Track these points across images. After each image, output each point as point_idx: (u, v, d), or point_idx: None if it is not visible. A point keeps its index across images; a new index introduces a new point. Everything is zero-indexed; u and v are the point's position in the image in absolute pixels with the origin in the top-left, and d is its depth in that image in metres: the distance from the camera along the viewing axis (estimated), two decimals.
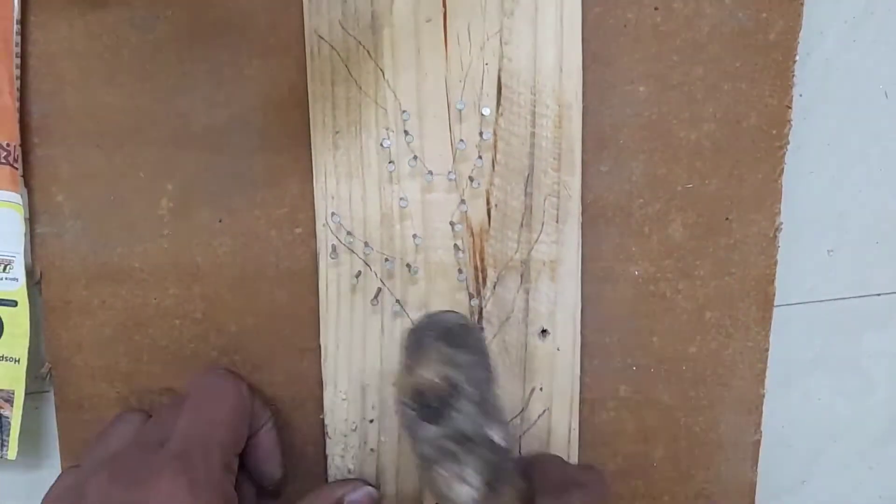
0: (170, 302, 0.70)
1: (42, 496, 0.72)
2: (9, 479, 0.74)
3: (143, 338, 0.71)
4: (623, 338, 0.70)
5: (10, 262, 0.68)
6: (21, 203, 0.68)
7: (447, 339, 0.57)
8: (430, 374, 0.55)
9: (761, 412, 0.71)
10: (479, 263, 0.68)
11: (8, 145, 0.67)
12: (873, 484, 0.75)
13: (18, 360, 0.69)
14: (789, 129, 0.68)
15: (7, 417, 0.70)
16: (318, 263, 0.69)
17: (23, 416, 0.70)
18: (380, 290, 0.68)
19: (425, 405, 0.55)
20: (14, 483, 0.75)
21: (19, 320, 0.69)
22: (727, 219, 0.69)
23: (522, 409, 0.69)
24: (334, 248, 0.68)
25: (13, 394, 0.70)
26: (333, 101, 0.67)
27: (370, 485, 0.69)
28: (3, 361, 0.69)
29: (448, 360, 0.56)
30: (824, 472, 0.75)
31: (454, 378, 0.55)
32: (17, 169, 0.68)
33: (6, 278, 0.69)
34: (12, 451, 0.70)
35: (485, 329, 0.68)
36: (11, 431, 0.70)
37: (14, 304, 0.69)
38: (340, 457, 0.70)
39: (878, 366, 0.73)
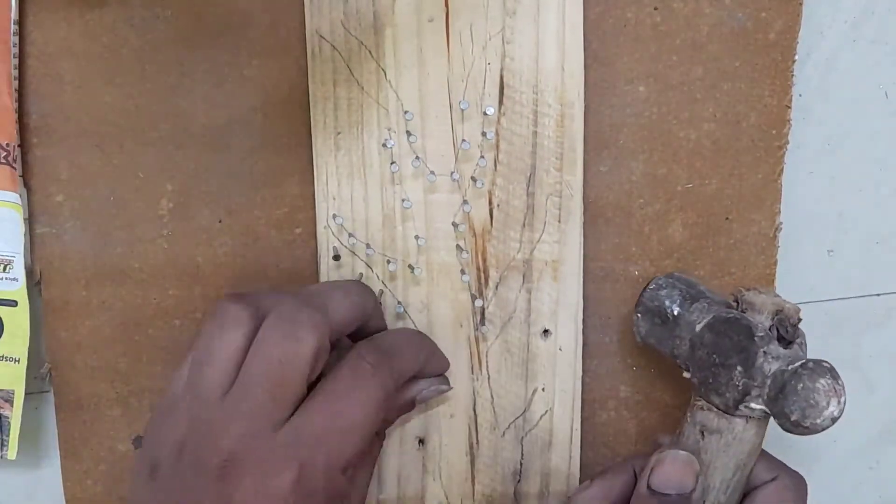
0: (170, 302, 0.70)
1: (42, 496, 0.73)
2: (9, 480, 0.74)
3: (142, 338, 0.71)
4: (623, 338, 0.70)
5: (9, 262, 0.68)
6: (20, 203, 0.68)
7: None
8: (790, 304, 0.61)
9: None
10: (481, 264, 0.68)
11: (7, 145, 0.67)
12: (873, 484, 0.76)
13: (18, 360, 0.69)
14: (789, 128, 0.68)
15: (7, 417, 0.70)
16: (320, 266, 0.68)
17: (23, 416, 0.70)
18: (382, 291, 0.68)
19: (785, 327, 0.60)
20: (14, 483, 0.74)
21: (19, 320, 0.69)
22: (727, 219, 0.69)
23: (525, 410, 0.69)
24: (336, 250, 0.68)
25: (13, 394, 0.69)
26: (335, 101, 0.67)
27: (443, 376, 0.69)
28: (3, 361, 0.69)
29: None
30: (824, 472, 0.75)
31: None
32: (16, 169, 0.67)
33: (6, 278, 0.68)
34: (12, 451, 0.70)
35: (487, 330, 0.68)
36: (11, 431, 0.70)
37: (14, 304, 0.69)
38: None
39: (878, 366, 0.73)
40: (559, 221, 0.67)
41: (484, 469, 0.70)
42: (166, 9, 0.67)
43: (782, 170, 0.68)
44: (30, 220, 0.69)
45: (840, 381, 0.58)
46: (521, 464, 0.70)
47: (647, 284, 0.65)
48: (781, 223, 0.69)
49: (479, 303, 0.68)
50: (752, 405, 0.60)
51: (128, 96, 0.68)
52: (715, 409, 0.61)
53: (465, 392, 0.69)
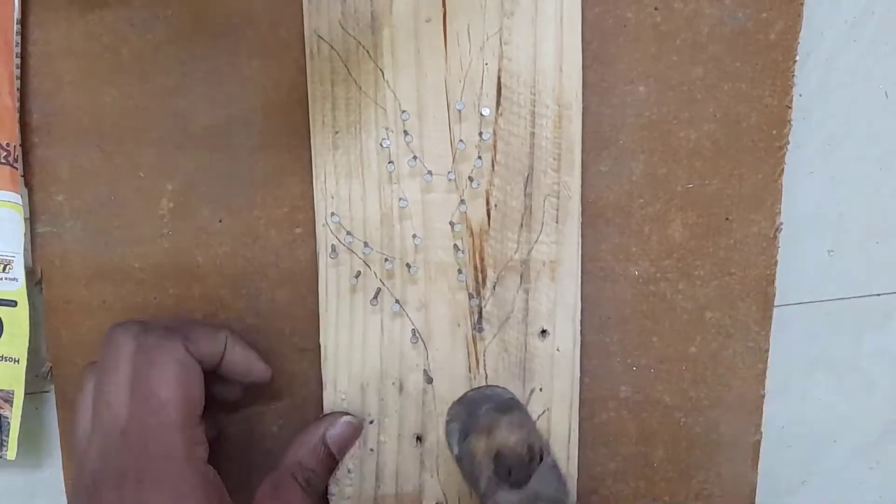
0: (170, 302, 0.70)
1: (43, 496, 0.73)
2: (9, 480, 0.74)
3: None
4: (623, 338, 0.70)
5: (9, 263, 0.68)
6: (21, 203, 0.68)
7: (505, 411, 0.61)
8: (513, 439, 0.58)
9: (761, 412, 0.71)
10: (478, 263, 0.68)
11: (8, 145, 0.67)
12: (873, 484, 0.75)
13: (18, 361, 0.69)
14: (789, 129, 0.68)
15: (6, 418, 0.70)
16: (318, 263, 0.69)
17: (24, 415, 0.70)
18: (379, 290, 0.68)
19: (506, 469, 0.57)
20: (15, 482, 0.75)
21: (19, 320, 0.69)
22: (727, 219, 0.69)
23: None
24: (334, 248, 0.68)
25: (13, 394, 0.70)
26: (333, 101, 0.67)
27: (348, 413, 0.69)
28: (3, 361, 0.69)
29: (527, 427, 0.59)
30: (824, 472, 0.75)
31: (535, 444, 0.58)
32: (16, 169, 0.68)
33: (6, 278, 0.69)
34: (12, 452, 0.70)
35: (485, 329, 0.68)
36: (11, 432, 0.70)
37: (14, 304, 0.69)
38: None
39: (878, 366, 0.73)
40: (557, 222, 0.67)
41: None
42: (166, 9, 0.68)
43: (782, 170, 0.68)
44: (31, 220, 0.69)
45: None
46: None
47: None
48: (781, 223, 0.68)
49: (476, 302, 0.68)
50: None
51: (128, 96, 0.69)
52: None
53: (463, 391, 0.69)
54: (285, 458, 0.66)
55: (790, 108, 0.67)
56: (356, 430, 0.69)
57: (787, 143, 0.68)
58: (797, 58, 0.67)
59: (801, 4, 0.66)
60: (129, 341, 0.61)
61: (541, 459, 0.58)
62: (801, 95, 0.69)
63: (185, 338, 0.62)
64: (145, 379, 0.60)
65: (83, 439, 0.61)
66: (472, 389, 0.66)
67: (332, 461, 0.68)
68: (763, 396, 0.70)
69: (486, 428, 0.60)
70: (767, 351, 0.70)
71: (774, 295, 0.69)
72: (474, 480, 0.59)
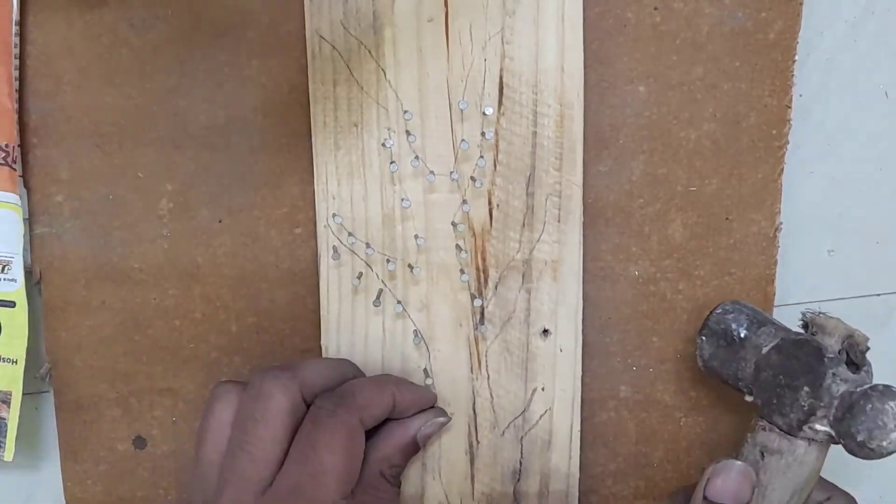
0: (170, 302, 0.70)
1: (42, 496, 0.73)
2: (8, 481, 0.74)
3: (143, 338, 0.71)
4: (623, 338, 0.70)
5: (8, 263, 0.68)
6: (19, 204, 0.68)
7: None
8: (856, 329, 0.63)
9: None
10: (480, 263, 0.68)
11: (6, 146, 0.67)
12: (874, 483, 0.76)
13: (16, 362, 0.69)
14: (789, 128, 0.68)
15: (4, 419, 0.69)
16: (320, 265, 0.68)
17: (23, 416, 0.70)
18: (381, 291, 0.68)
19: (855, 352, 0.62)
20: (14, 483, 0.74)
21: (17, 321, 0.69)
22: (727, 219, 0.69)
23: (524, 410, 0.69)
24: (335, 249, 0.68)
25: (10, 395, 0.69)
26: (335, 101, 0.67)
27: (439, 408, 0.69)
28: (1, 363, 0.69)
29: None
30: (824, 472, 0.75)
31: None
32: (15, 170, 0.67)
33: (4, 279, 0.68)
34: (9, 453, 0.70)
35: (487, 329, 0.68)
36: (8, 433, 0.70)
37: (12, 304, 0.69)
38: None
39: (878, 366, 0.73)
40: (559, 221, 0.67)
41: (483, 468, 0.70)
42: (166, 9, 0.67)
43: (782, 170, 0.68)
44: (30, 220, 0.69)
45: None
46: (520, 463, 0.70)
47: (714, 308, 0.66)
48: (781, 223, 0.69)
49: (478, 302, 0.68)
50: (817, 426, 0.60)
51: (128, 96, 0.68)
52: (777, 431, 0.62)
53: (465, 392, 0.69)
54: (370, 455, 0.64)
55: (790, 107, 0.67)
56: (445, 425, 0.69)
57: (787, 142, 0.68)
58: (797, 58, 0.67)
59: (801, 4, 0.66)
60: (283, 398, 0.60)
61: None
62: (801, 95, 0.69)
63: (358, 405, 0.61)
64: (308, 440, 0.59)
65: (207, 477, 0.61)
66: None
67: (416, 453, 0.67)
68: None
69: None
70: None
71: (774, 295, 0.69)
72: (803, 353, 0.62)
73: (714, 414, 0.71)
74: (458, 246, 0.67)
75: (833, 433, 0.60)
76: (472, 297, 0.68)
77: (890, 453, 0.58)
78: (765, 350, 0.63)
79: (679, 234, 0.69)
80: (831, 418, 0.59)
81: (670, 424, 0.71)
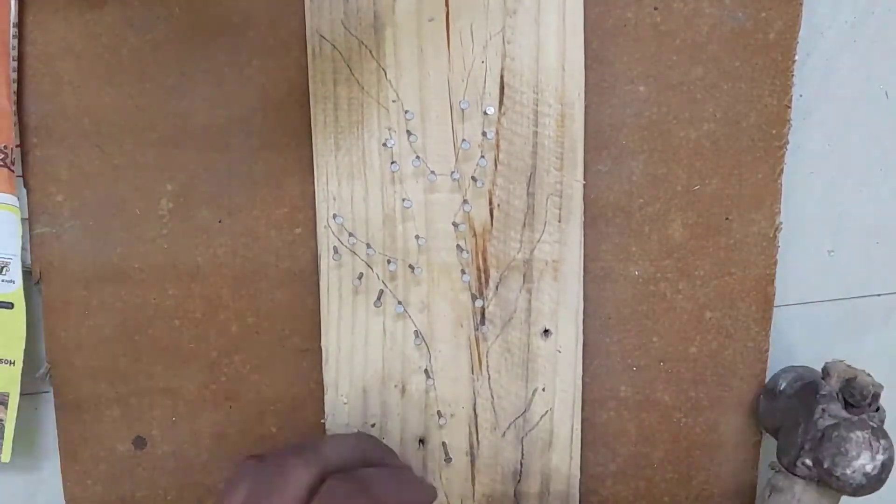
0: (170, 302, 0.70)
1: (42, 496, 0.73)
2: (8, 481, 0.74)
3: (142, 338, 0.71)
4: (623, 338, 0.70)
5: (6, 265, 0.68)
6: (17, 205, 0.68)
7: None
8: (869, 376, 0.64)
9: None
10: (481, 264, 0.68)
11: (5, 147, 0.66)
12: None
13: (14, 363, 0.69)
14: (789, 128, 0.68)
15: (1, 420, 0.69)
16: (320, 265, 0.68)
17: (22, 417, 0.70)
18: (382, 291, 0.68)
19: (852, 393, 0.63)
20: (14, 483, 0.74)
21: (16, 322, 0.69)
22: (727, 219, 0.69)
23: (525, 410, 0.69)
24: (336, 249, 0.68)
25: (8, 396, 0.69)
26: (335, 100, 0.67)
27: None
28: None
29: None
30: None
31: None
32: (13, 171, 0.67)
33: (2, 281, 0.68)
34: (6, 454, 0.70)
35: (488, 330, 0.68)
36: (6, 434, 0.70)
37: (10, 306, 0.69)
38: None
39: (878, 366, 0.73)
40: (559, 221, 0.67)
41: (484, 469, 0.70)
42: (166, 9, 0.67)
43: (782, 170, 0.68)
44: (29, 220, 0.69)
45: (883, 442, 0.60)
46: (521, 464, 0.70)
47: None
48: (781, 223, 0.69)
49: (479, 303, 0.68)
50: (806, 460, 0.62)
51: (128, 96, 0.68)
52: (783, 470, 0.64)
53: (466, 392, 0.69)
54: None
55: (790, 107, 0.67)
56: None
57: (787, 142, 0.68)
58: (797, 58, 0.67)
59: (801, 4, 0.66)
60: (304, 474, 0.60)
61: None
62: (801, 95, 0.69)
63: (373, 497, 0.61)
64: None
65: None
66: None
67: None
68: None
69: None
70: (767, 351, 0.70)
71: (774, 295, 0.69)
72: (805, 392, 0.65)
73: (714, 414, 0.71)
74: (458, 246, 0.67)
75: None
76: (473, 298, 0.68)
77: (859, 485, 0.59)
78: (786, 396, 0.66)
79: (679, 234, 0.69)
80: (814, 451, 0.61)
81: (670, 424, 0.71)
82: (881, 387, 0.63)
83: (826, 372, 0.65)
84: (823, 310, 0.73)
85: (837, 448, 0.60)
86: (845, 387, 0.64)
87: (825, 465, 0.60)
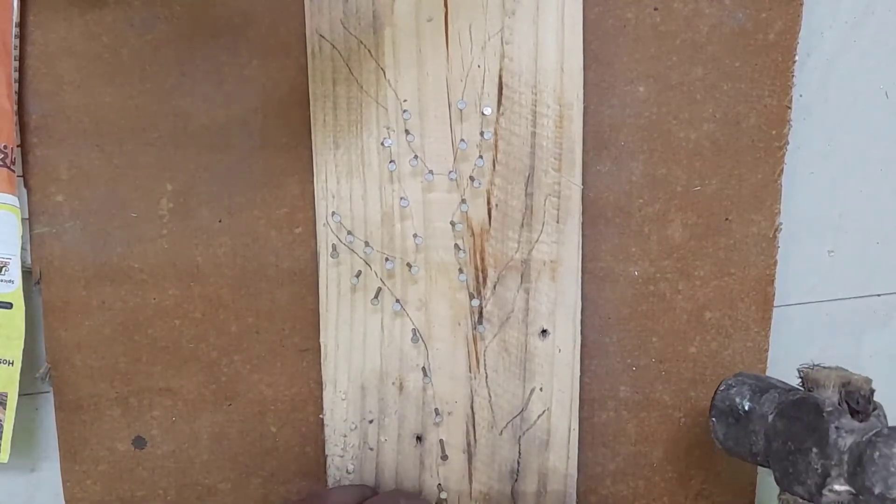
0: (170, 302, 0.70)
1: (42, 496, 0.73)
2: (8, 481, 0.74)
3: (142, 338, 0.71)
4: (623, 338, 0.70)
5: (5, 265, 0.68)
6: (17, 205, 0.68)
7: None
8: (853, 374, 0.60)
9: None
10: (479, 263, 0.68)
11: (5, 147, 0.67)
12: None
13: (12, 363, 0.69)
14: (789, 129, 0.68)
15: (0, 420, 0.69)
16: (319, 263, 0.68)
17: (22, 417, 0.70)
18: (380, 289, 0.68)
19: (855, 398, 0.59)
20: (14, 483, 0.74)
21: (15, 322, 0.69)
22: (727, 219, 0.69)
23: (522, 410, 0.69)
24: (335, 247, 0.68)
25: (6, 396, 0.69)
26: (334, 100, 0.67)
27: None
28: None
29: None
30: None
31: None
32: (13, 171, 0.67)
33: (2, 281, 0.68)
34: (4, 454, 0.70)
35: (485, 329, 0.68)
36: (4, 434, 0.70)
37: (9, 306, 0.69)
38: (340, 456, 0.70)
39: (878, 366, 0.73)
40: (558, 222, 0.67)
41: (481, 467, 0.70)
42: (166, 9, 0.68)
43: (782, 170, 0.68)
44: (30, 220, 0.69)
45: None
46: (518, 462, 0.70)
47: (718, 386, 0.65)
48: (781, 223, 0.68)
49: (476, 302, 0.68)
50: (836, 487, 0.57)
51: (128, 96, 0.68)
52: (801, 500, 0.59)
53: (463, 390, 0.69)
54: None
55: (790, 108, 0.67)
56: None
57: (787, 143, 0.68)
58: (797, 58, 0.67)
59: (801, 4, 0.66)
60: None
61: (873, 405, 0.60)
62: (801, 96, 0.69)
63: None
64: None
65: None
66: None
67: None
68: None
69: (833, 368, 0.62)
70: (767, 351, 0.70)
71: (774, 295, 0.69)
72: (803, 413, 0.60)
73: None
74: (456, 245, 0.67)
75: (853, 490, 0.56)
76: (471, 297, 0.68)
77: None
78: (770, 419, 0.61)
79: (679, 234, 0.69)
80: (846, 475, 0.56)
81: (670, 424, 0.71)
82: (871, 380, 0.60)
83: (815, 382, 0.61)
84: (823, 310, 0.72)
85: (886, 469, 0.54)
86: (846, 394, 0.60)
87: (877, 491, 0.55)
